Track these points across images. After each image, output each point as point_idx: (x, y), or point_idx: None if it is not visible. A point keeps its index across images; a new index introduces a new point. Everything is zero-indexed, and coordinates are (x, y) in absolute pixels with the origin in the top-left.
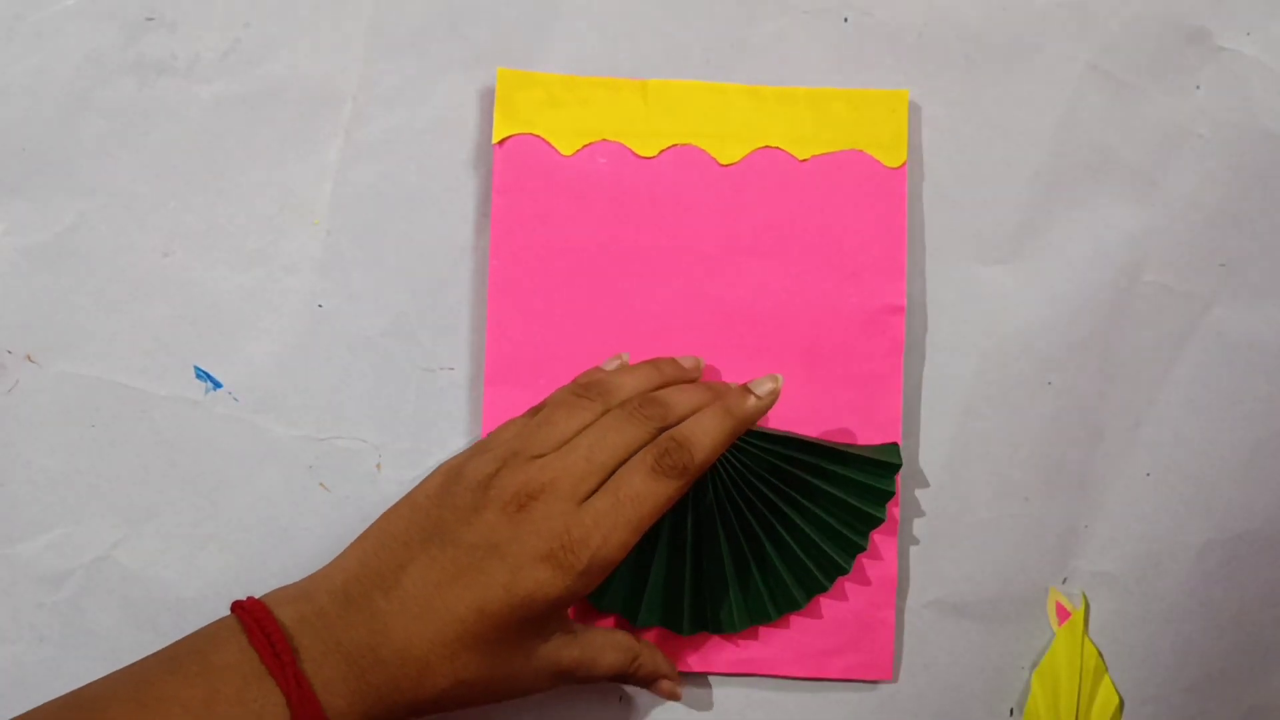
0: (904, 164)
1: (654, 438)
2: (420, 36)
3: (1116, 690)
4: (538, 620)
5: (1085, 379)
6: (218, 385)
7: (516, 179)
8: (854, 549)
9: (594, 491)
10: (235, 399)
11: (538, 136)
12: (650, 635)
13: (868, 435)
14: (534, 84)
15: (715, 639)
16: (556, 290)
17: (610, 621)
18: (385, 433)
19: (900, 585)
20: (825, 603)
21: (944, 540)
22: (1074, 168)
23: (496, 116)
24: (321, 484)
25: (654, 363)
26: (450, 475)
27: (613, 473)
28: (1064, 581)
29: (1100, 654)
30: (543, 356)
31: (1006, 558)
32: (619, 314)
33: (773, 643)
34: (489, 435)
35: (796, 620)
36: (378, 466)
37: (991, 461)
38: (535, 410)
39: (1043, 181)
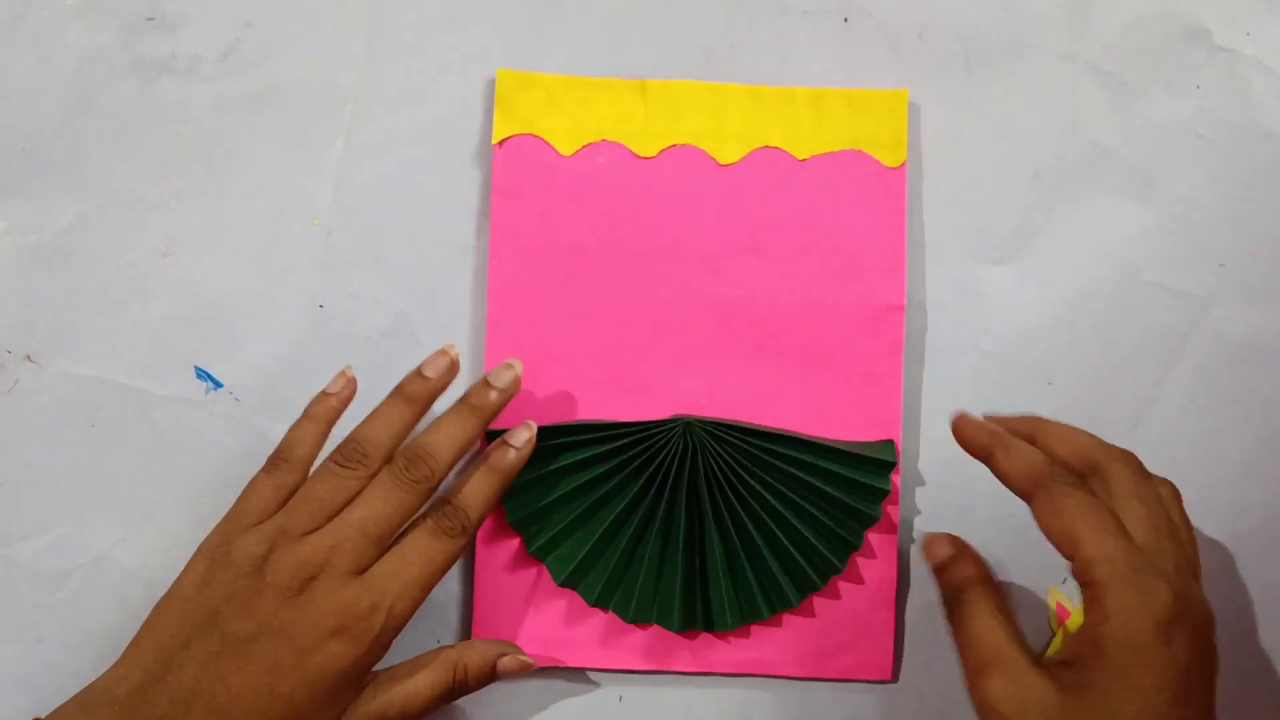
0: (904, 164)
1: (426, 498)
2: (420, 36)
3: None
4: (332, 692)
5: (1085, 379)
6: (218, 385)
7: (516, 179)
8: (848, 548)
9: (373, 561)
10: (236, 399)
11: (537, 137)
12: (642, 634)
13: (867, 435)
14: (534, 84)
15: (715, 640)
16: (556, 290)
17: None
18: None
19: (900, 585)
20: (825, 603)
21: None
22: (1074, 168)
23: (496, 117)
24: None
25: (400, 392)
26: (215, 560)
27: (388, 540)
28: (1064, 582)
29: None
30: (543, 357)
31: (1006, 558)
32: (618, 314)
33: (773, 643)
34: (242, 503)
35: (796, 621)
36: None
37: None
38: (275, 465)
39: (1043, 181)
